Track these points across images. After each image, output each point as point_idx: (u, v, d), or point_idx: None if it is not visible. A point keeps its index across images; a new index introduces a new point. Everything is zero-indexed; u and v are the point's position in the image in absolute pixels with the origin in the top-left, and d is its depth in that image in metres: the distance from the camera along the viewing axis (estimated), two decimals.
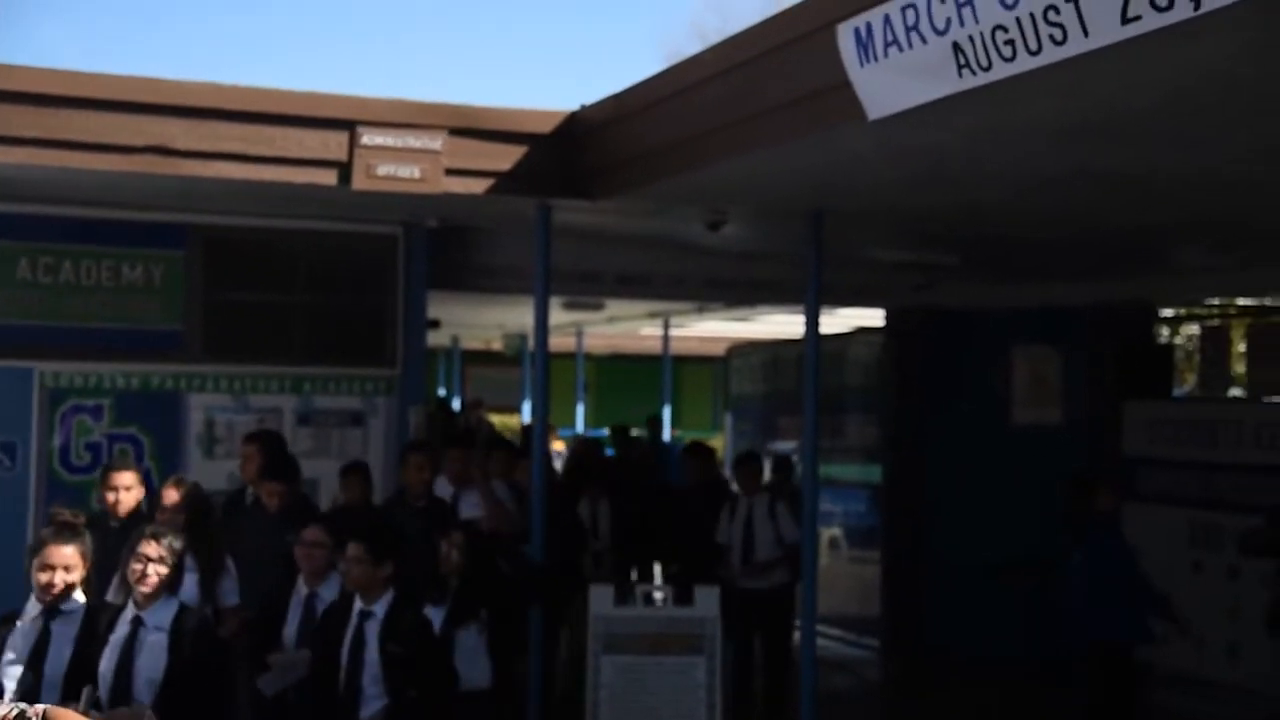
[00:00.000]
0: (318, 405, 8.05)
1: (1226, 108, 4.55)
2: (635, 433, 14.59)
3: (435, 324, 10.84)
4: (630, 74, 40.53)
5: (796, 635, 7.81)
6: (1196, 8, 3.26)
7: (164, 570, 4.99)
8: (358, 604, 5.30)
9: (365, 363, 8.18)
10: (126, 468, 6.44)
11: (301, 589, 5.80)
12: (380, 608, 5.26)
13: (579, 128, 6.94)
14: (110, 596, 5.31)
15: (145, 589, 4.97)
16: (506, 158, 6.80)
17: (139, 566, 4.97)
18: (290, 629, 5.75)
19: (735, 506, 8.63)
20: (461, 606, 5.86)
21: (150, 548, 4.99)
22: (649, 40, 47.78)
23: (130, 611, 4.99)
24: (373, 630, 5.23)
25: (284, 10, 47.68)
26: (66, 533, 5.05)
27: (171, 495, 6.28)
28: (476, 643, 5.88)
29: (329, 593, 5.70)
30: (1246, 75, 4.08)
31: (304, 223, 8.04)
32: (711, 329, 18.02)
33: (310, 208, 7.75)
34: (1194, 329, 12.13)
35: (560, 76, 47.97)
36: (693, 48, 25.69)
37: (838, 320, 13.70)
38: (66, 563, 4.95)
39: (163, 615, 4.97)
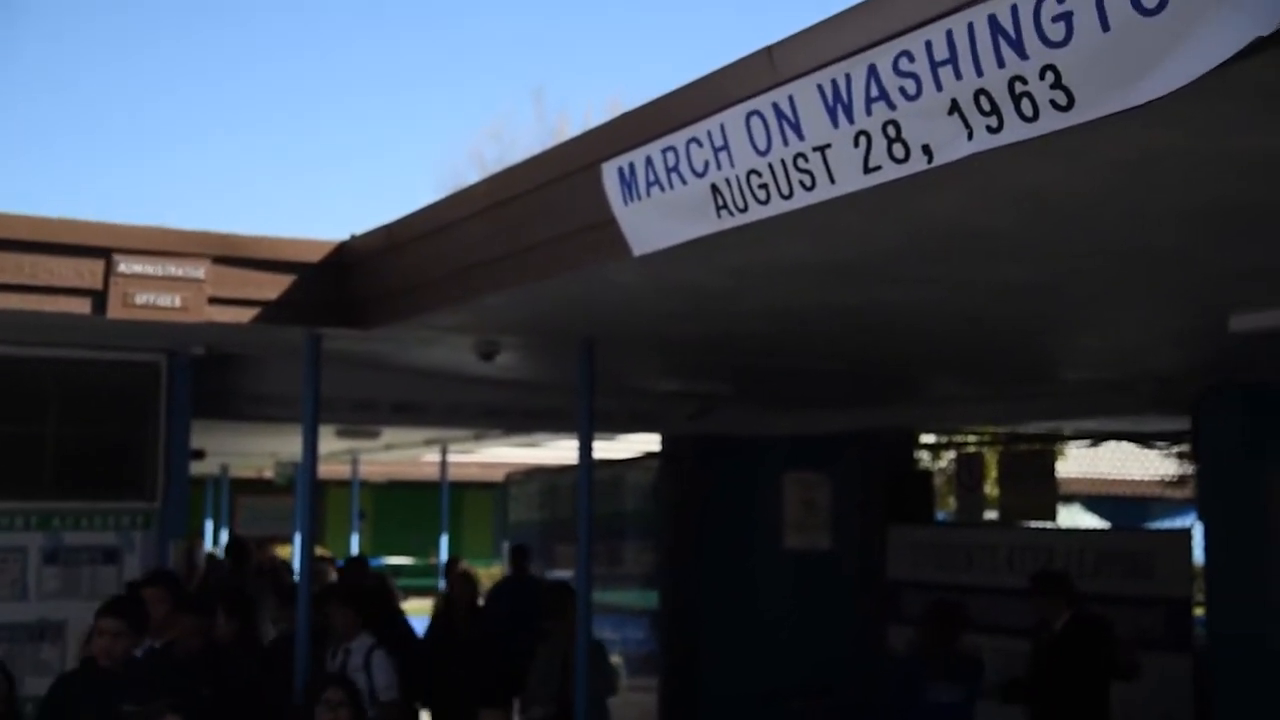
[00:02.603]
0: (67, 542, 7.63)
1: (963, 251, 4.82)
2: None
3: (200, 454, 10.47)
4: (409, 200, 40.59)
5: None
6: (930, 160, 3.46)
7: None
8: None
9: (122, 496, 7.81)
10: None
11: None
12: None
13: (349, 257, 6.89)
14: None
15: None
16: (273, 287, 6.68)
17: None
18: None
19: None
20: None
21: None
22: (429, 167, 48.04)
23: None
24: None
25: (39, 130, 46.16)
26: None
27: None
28: None
29: None
30: (978, 222, 4.34)
31: (58, 351, 7.70)
32: (496, 454, 17.88)
33: (66, 335, 7.44)
34: (953, 455, 12.63)
35: (341, 201, 47.69)
36: (472, 175, 26.01)
37: (625, 445, 13.80)
38: None
39: None
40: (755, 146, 3.99)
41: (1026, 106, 3.07)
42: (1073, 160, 3.55)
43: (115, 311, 6.31)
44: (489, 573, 19.62)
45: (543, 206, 5.35)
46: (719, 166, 4.19)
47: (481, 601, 10.84)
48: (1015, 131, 3.13)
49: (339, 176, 49.31)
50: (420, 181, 47.27)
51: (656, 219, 4.58)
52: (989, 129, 3.21)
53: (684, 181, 4.37)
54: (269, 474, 19.72)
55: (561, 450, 15.28)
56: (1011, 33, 3.01)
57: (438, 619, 9.90)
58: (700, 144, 4.23)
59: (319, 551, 13.65)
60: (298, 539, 15.69)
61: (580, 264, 5.22)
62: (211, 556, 16.59)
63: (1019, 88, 3.06)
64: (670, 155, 4.39)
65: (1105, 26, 2.80)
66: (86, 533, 7.70)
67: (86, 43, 45.37)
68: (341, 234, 6.97)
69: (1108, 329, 6.75)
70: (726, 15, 43.48)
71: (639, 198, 4.61)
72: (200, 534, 18.81)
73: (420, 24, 45.05)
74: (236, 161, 48.58)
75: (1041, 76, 3.00)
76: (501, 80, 46.09)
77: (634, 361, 8.37)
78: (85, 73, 45.76)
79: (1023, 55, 3.01)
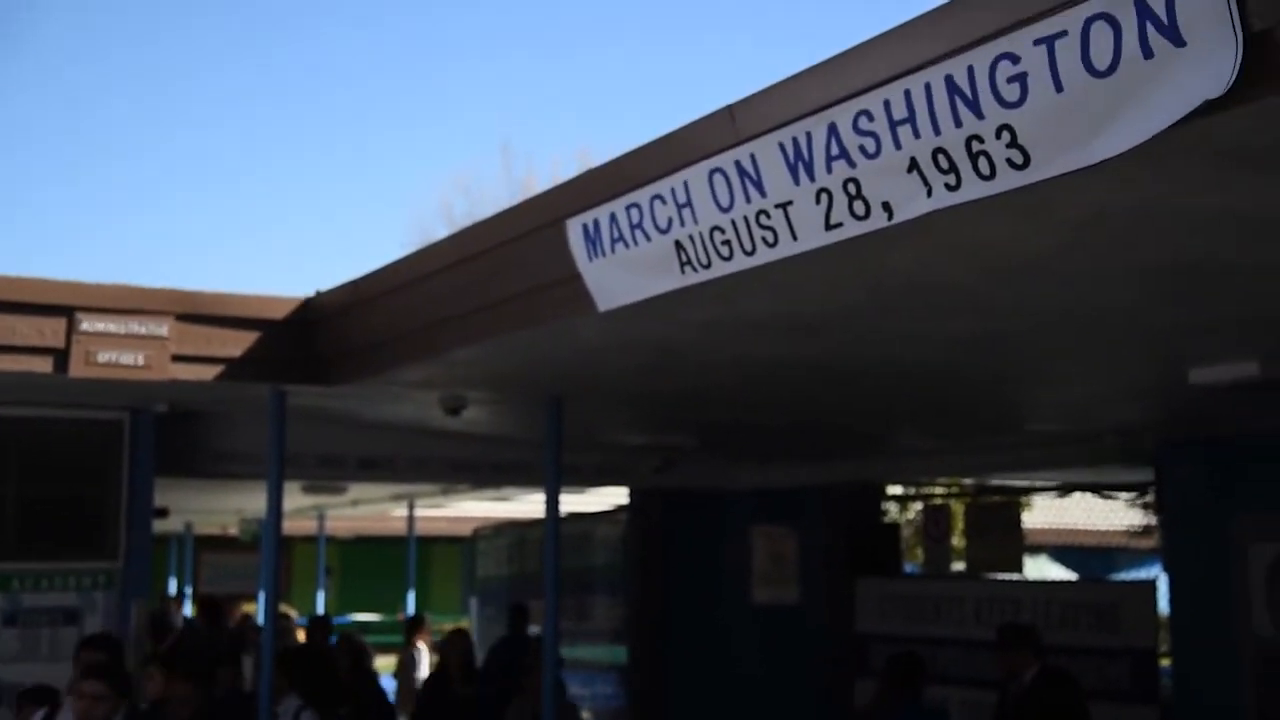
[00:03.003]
0: (26, 604, 7.52)
1: (925, 306, 4.87)
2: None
3: (163, 513, 10.36)
4: (380, 255, 40.57)
5: None
6: (890, 218, 3.50)
7: None
8: None
9: (83, 556, 7.71)
10: None
11: None
12: None
13: (315, 313, 6.89)
14: None
15: None
16: (238, 344, 6.67)
17: None
18: None
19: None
20: None
21: None
22: (399, 222, 48.09)
23: None
24: None
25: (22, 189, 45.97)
26: None
27: None
28: None
29: None
30: (939, 278, 4.38)
31: (19, 409, 7.62)
32: (466, 509, 17.78)
33: (26, 394, 7.38)
34: (920, 507, 12.67)
35: (313, 257, 47.66)
36: (441, 230, 26.03)
37: (599, 498, 13.73)
38: None
39: None
40: (718, 203, 4.03)
41: (984, 165, 3.12)
42: (1030, 217, 3.60)
43: (77, 370, 6.27)
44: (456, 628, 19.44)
45: (508, 262, 5.37)
46: (683, 223, 4.22)
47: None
48: (973, 189, 3.17)
49: (310, 233, 49.28)
50: (391, 236, 47.30)
51: (621, 275, 4.61)
52: (947, 187, 3.25)
53: (648, 238, 4.40)
54: (234, 531, 19.55)
55: (533, 504, 15.22)
56: (968, 93, 3.06)
57: (432, 678, 9.78)
58: (664, 201, 4.27)
59: (281, 609, 13.48)
60: (262, 597, 15.56)
61: (546, 319, 5.24)
62: (185, 618, 16.34)
63: (976, 146, 3.11)
64: (634, 212, 4.42)
65: (1059, 87, 2.85)
66: (46, 593, 7.59)
67: (47, 98, 45.31)
68: (311, 291, 6.98)
69: (1069, 382, 6.81)
70: (695, 66, 43.95)
71: (603, 254, 4.64)
72: (180, 598, 18.54)
73: (387, 77, 45.27)
74: (204, 219, 48.46)
75: (998, 136, 3.04)
76: (470, 132, 46.34)
77: (601, 415, 8.37)
78: (46, 130, 45.69)
79: (979, 115, 3.06)
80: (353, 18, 44.46)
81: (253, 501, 14.33)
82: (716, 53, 43.68)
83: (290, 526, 14.97)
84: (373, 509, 17.06)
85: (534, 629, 12.51)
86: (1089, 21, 2.74)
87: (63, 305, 6.26)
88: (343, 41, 44.72)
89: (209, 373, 6.64)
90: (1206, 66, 2.55)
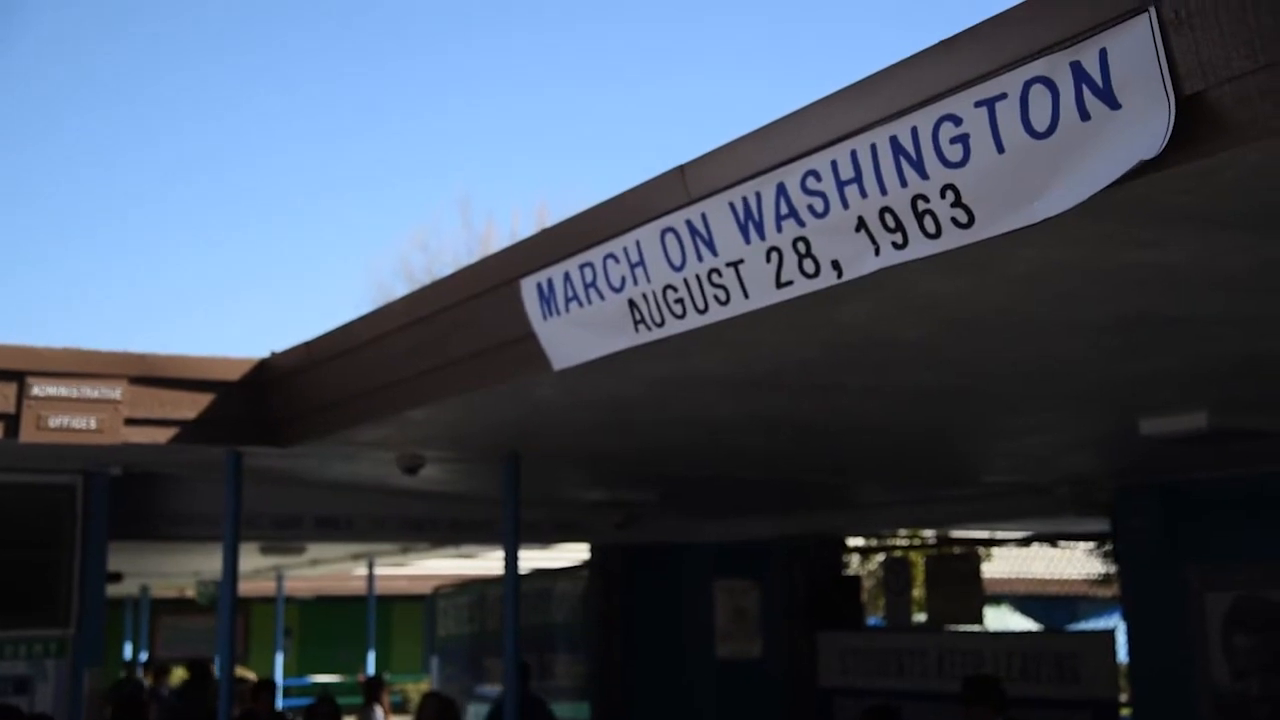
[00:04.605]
0: None
1: (877, 361, 4.90)
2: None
3: (117, 577, 10.23)
4: (340, 313, 40.43)
5: None
6: (839, 275, 3.53)
7: None
8: None
9: (34, 623, 7.58)
10: None
11: None
12: None
13: (270, 375, 6.85)
14: None
15: None
16: (192, 406, 6.62)
17: None
18: None
19: None
20: None
21: None
22: (359, 279, 47.97)
23: None
24: None
25: None
26: None
27: None
28: None
29: None
30: (889, 333, 4.42)
31: None
32: (428, 567, 17.65)
33: None
34: (881, 559, 12.68)
35: (274, 312, 47.43)
36: (399, 286, 25.97)
37: (562, 554, 13.66)
38: None
39: None
40: (670, 262, 4.06)
41: (929, 224, 3.16)
42: (977, 274, 3.64)
43: (28, 435, 6.20)
44: (418, 688, 19.25)
45: (462, 322, 5.37)
46: (635, 282, 4.24)
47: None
48: (920, 248, 3.21)
49: (269, 292, 49.03)
50: (350, 293, 47.14)
51: (575, 334, 4.62)
52: (895, 245, 3.29)
53: (602, 297, 4.42)
54: (191, 593, 19.31)
55: (495, 561, 15.12)
56: (912, 153, 3.11)
57: None
58: (617, 260, 4.29)
59: (239, 672, 13.31)
60: (218, 660, 15.31)
61: (501, 379, 5.24)
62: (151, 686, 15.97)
63: (921, 205, 3.15)
64: (588, 271, 4.45)
65: (1000, 148, 2.89)
66: None
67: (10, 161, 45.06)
68: (266, 352, 6.94)
69: (1022, 434, 6.86)
70: (656, 116, 44.30)
71: (558, 313, 4.65)
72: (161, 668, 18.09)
73: (345, 133, 45.33)
74: (161, 284, 48.14)
75: (942, 195, 3.09)
76: (428, 188, 46.39)
77: (559, 472, 8.36)
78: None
79: (924, 175, 3.10)
80: (308, 73, 44.60)
81: (210, 563, 14.15)
82: (677, 103, 44.09)
83: (248, 587, 14.84)
84: (332, 568, 16.91)
85: (494, 688, 12.42)
86: (1028, 85, 2.80)
87: (13, 370, 6.19)
88: (299, 97, 44.80)
89: (163, 435, 6.58)
90: (1141, 128, 2.60)
